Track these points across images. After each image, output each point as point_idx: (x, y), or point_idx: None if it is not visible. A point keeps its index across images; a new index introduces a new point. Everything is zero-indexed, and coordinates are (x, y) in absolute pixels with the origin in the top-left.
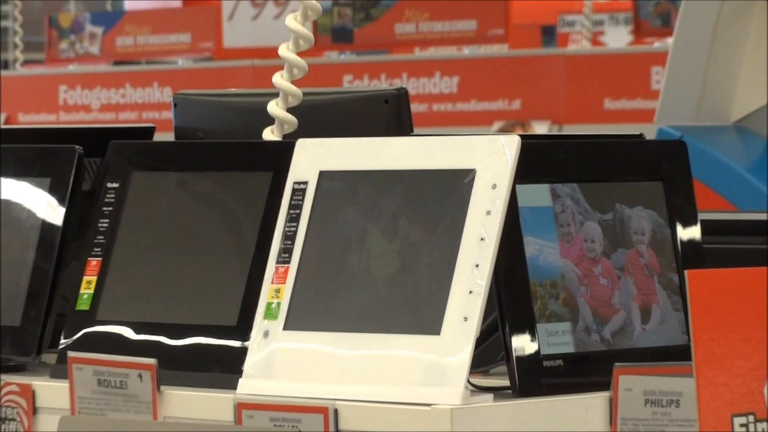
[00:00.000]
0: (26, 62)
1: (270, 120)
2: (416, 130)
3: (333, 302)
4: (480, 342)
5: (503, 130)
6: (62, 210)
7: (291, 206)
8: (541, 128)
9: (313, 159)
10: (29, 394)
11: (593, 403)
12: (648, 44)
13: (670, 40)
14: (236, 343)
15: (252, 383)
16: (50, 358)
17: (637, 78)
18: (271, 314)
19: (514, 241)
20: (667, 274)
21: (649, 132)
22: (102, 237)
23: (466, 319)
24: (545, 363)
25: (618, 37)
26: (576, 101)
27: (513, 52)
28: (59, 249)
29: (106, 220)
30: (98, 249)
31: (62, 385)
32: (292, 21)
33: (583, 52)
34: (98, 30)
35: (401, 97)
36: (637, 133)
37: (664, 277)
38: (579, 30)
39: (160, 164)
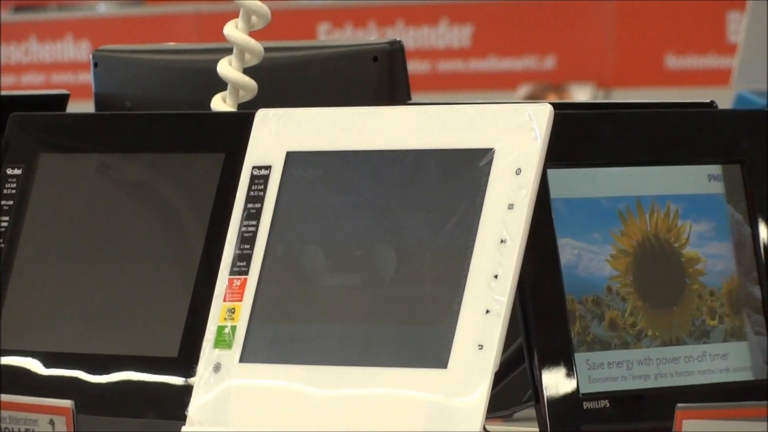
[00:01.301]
0: None
1: (221, 84)
2: (416, 97)
3: (305, 326)
4: (500, 377)
5: (531, 97)
6: None
7: (249, 198)
8: (582, 94)
9: (278, 136)
10: None
11: None
12: None
13: None
14: (178, 380)
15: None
16: None
17: (709, 27)
18: (223, 342)
19: (545, 243)
20: (747, 287)
21: (725, 99)
22: (0, 241)
23: (482, 347)
24: (586, 405)
25: None
26: (628, 58)
27: None
28: None
29: (6, 218)
30: None
31: None
32: None
33: None
34: None
35: (395, 53)
36: (707, 100)
37: (742, 291)
38: None
39: (75, 143)
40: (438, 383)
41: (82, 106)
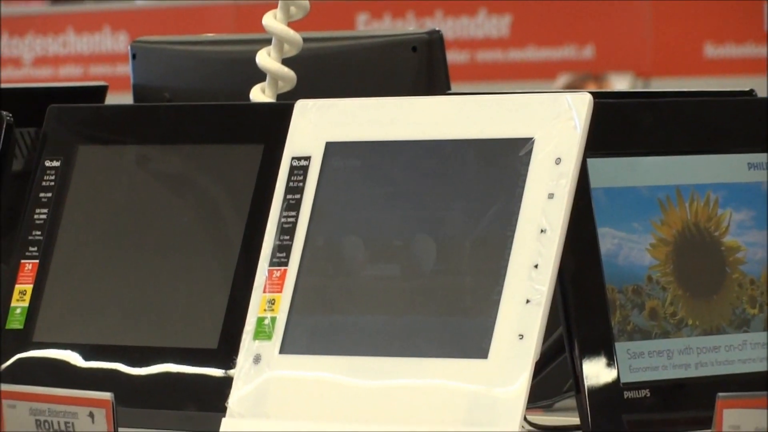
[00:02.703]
0: None
1: (260, 75)
2: (455, 87)
3: (345, 317)
4: (540, 367)
5: (570, 86)
6: None
7: (288, 189)
8: (621, 83)
9: (318, 127)
10: None
11: None
12: None
13: None
14: (218, 372)
15: (239, 423)
16: None
17: (747, 16)
18: (263, 333)
19: (584, 233)
20: None
21: (763, 87)
22: (39, 233)
23: (522, 337)
24: (627, 394)
25: None
26: (667, 47)
27: None
28: None
29: (45, 210)
30: (34, 248)
31: None
32: None
33: None
34: None
35: (434, 42)
36: (747, 89)
37: None
38: None
39: (114, 135)
40: (478, 373)
41: (120, 98)
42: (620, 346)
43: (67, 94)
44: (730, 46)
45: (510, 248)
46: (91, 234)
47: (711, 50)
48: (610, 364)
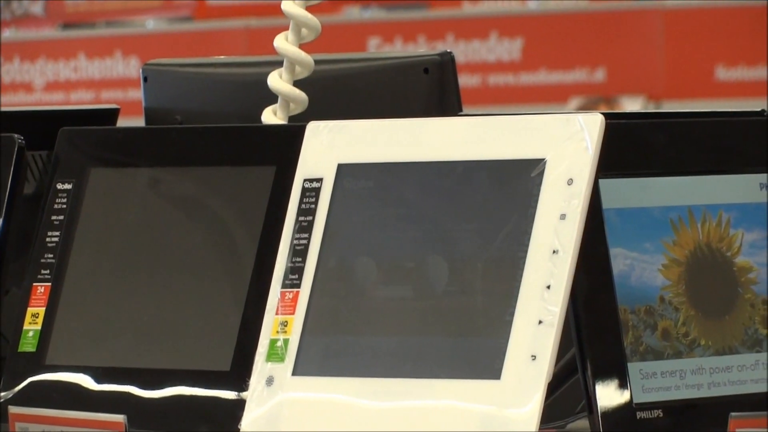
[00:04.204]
0: None
1: (271, 97)
2: (467, 111)
3: (357, 338)
4: (553, 388)
5: (582, 109)
6: None
7: (300, 211)
8: (632, 106)
9: (330, 148)
10: None
11: None
12: None
13: None
14: (231, 394)
15: None
16: None
17: (757, 39)
18: (276, 355)
19: (597, 253)
20: None
21: None
22: (51, 255)
23: (535, 358)
24: (639, 414)
25: None
26: (678, 70)
27: (595, 4)
28: None
29: (57, 233)
30: (46, 271)
31: None
32: None
33: (688, 6)
34: None
35: (445, 64)
36: (758, 110)
37: None
38: None
39: (126, 158)
40: (491, 394)
41: (131, 123)
42: (633, 367)
43: (78, 117)
44: (742, 68)
45: (522, 269)
46: (103, 256)
47: (722, 73)
48: (622, 385)
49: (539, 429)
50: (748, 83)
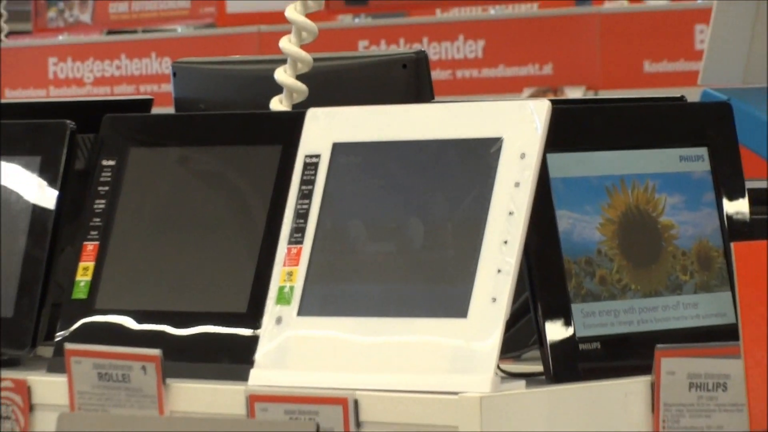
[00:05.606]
0: (11, 33)
1: (278, 89)
2: (438, 98)
3: (350, 285)
4: (510, 325)
5: (533, 97)
6: (54, 191)
7: (303, 182)
8: (575, 94)
9: (326, 130)
10: (24, 390)
11: (633, 388)
12: (691, 0)
13: None
14: (247, 331)
15: (265, 374)
16: (46, 351)
17: (680, 38)
18: (283, 299)
19: (545, 215)
20: (712, 248)
21: (694, 95)
22: (98, 219)
23: (495, 300)
24: (581, 346)
25: None
26: (613, 64)
27: (543, 11)
28: (52, 233)
29: (103, 201)
30: (95, 232)
31: (60, 380)
32: None
33: (620, 11)
34: None
35: (420, 61)
36: (678, 95)
37: (708, 251)
38: None
39: (159, 139)
40: (459, 330)
41: (163, 110)
42: (575, 307)
43: (119, 106)
44: (665, 63)
45: (484, 228)
46: (141, 220)
47: (649, 66)
48: (567, 322)
49: (499, 358)
50: (670, 75)
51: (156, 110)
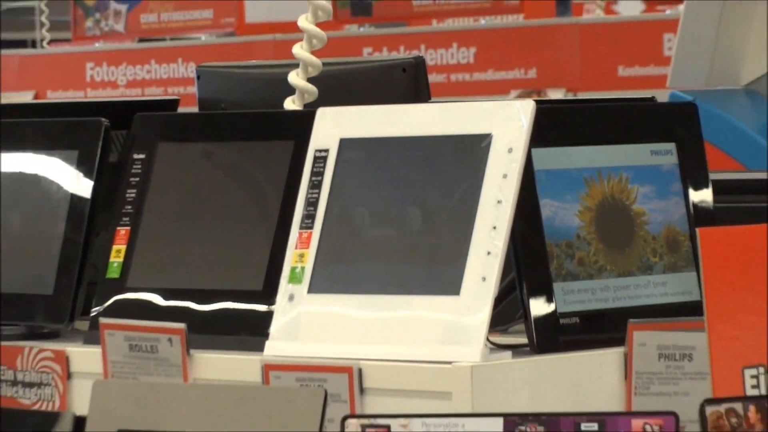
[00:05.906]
0: (53, 41)
1: (291, 90)
2: (435, 99)
3: (355, 266)
4: (498, 302)
5: (519, 98)
6: (90, 182)
7: (313, 173)
8: (556, 96)
9: (334, 127)
10: (63, 359)
11: (608, 358)
12: (660, 11)
13: (681, 7)
14: (262, 307)
15: (278, 345)
16: (83, 325)
17: (650, 45)
18: (295, 278)
19: (530, 203)
20: (679, 233)
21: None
22: (130, 207)
23: (485, 279)
24: (562, 321)
25: (631, 6)
26: (590, 69)
27: (528, 21)
28: (88, 219)
29: (134, 191)
30: (126, 218)
31: (95, 351)
32: None
33: (597, 21)
34: (122, 7)
35: (418, 65)
36: (650, 96)
37: (676, 236)
38: None
39: (184, 135)
40: (453, 306)
41: (188, 110)
42: (557, 286)
43: (149, 105)
44: (637, 68)
45: (475, 215)
46: (168, 207)
47: (622, 70)
48: (549, 299)
49: (488, 331)
50: (642, 78)
51: (182, 109)
